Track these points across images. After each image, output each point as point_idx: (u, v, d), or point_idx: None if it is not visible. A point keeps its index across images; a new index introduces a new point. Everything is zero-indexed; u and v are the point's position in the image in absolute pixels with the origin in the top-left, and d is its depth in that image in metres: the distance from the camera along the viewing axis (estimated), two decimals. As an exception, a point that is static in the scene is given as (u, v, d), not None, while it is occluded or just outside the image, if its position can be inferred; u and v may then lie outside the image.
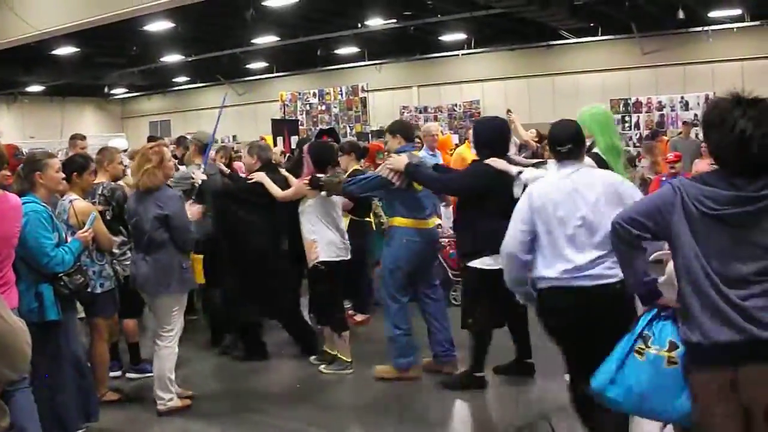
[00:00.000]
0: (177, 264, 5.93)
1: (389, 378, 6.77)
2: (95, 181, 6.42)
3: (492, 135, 6.38)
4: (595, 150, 5.49)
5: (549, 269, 4.47)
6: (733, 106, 3.25)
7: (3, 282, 4.48)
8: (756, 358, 3.13)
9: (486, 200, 6.08)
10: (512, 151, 12.22)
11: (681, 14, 17.93)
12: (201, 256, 6.28)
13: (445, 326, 6.87)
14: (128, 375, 7.07)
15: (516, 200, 5.24)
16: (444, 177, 6.71)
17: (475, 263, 6.23)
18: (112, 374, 6.73)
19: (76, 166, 6.07)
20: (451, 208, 8.86)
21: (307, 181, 6.86)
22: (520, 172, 5.79)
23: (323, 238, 6.95)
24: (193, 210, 6.22)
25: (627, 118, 19.62)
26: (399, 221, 6.72)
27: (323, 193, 6.88)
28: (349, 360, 7.11)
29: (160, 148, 6.09)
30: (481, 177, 6.16)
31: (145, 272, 5.98)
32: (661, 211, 3.36)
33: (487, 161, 6.14)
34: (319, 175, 6.85)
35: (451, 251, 8.98)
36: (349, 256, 7.15)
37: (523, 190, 5.44)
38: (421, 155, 7.86)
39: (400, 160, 6.46)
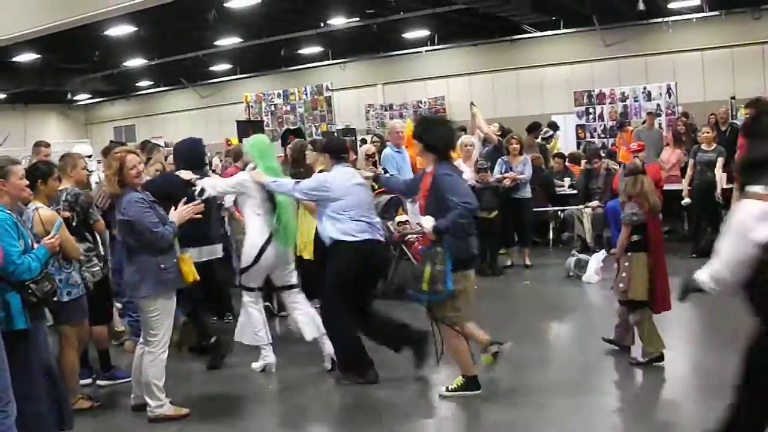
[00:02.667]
0: (153, 265, 5.90)
1: None
2: (59, 188, 6.36)
3: (187, 152, 7.71)
4: None
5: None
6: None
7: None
8: None
9: (171, 203, 6.68)
10: (476, 144, 12.33)
11: (641, 6, 18.08)
12: (189, 256, 6.25)
13: None
14: (99, 382, 7.02)
15: (200, 201, 6.68)
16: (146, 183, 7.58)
17: None
18: (82, 382, 6.68)
19: (40, 173, 6.02)
20: (417, 205, 8.91)
21: None
22: (200, 177, 7.20)
23: None
24: (177, 211, 6.13)
25: (591, 110, 19.71)
26: None
27: None
28: None
29: (120, 155, 6.02)
30: (166, 183, 7.31)
31: (126, 277, 6.11)
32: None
33: (177, 172, 7.31)
34: None
35: (420, 246, 8.99)
36: None
37: (201, 193, 6.96)
38: (386, 153, 7.99)
39: None
